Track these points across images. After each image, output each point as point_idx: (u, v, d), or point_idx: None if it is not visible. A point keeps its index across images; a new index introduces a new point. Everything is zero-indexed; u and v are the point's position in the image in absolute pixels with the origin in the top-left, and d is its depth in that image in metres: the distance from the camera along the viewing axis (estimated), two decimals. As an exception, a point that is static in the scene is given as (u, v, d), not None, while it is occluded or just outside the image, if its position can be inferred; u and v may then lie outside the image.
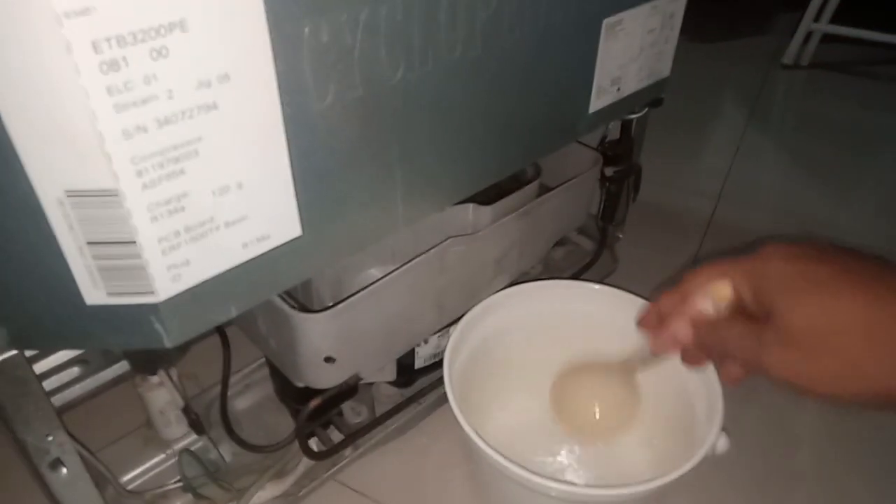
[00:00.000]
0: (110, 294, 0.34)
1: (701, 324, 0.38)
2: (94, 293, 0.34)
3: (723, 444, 0.51)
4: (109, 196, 0.31)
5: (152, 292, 0.34)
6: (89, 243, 0.32)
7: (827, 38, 1.58)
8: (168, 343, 0.36)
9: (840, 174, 1.18)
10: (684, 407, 0.57)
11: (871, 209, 1.09)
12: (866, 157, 1.24)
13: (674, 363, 0.57)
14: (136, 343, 0.37)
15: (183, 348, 0.44)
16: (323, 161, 0.38)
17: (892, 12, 1.57)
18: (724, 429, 0.51)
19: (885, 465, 0.67)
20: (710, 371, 0.55)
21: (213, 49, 0.30)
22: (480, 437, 0.50)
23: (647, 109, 0.67)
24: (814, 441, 0.69)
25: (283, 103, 0.34)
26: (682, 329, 0.38)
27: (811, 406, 0.73)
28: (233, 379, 0.66)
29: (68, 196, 0.31)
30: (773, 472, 0.66)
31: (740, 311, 0.37)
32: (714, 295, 0.37)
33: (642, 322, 0.43)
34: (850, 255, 0.33)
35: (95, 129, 0.29)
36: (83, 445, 0.50)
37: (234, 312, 0.38)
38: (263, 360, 0.68)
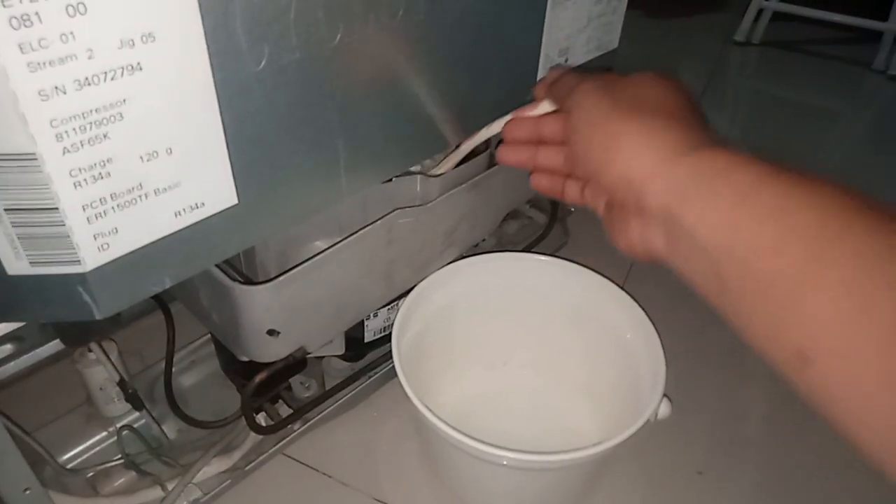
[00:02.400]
0: (33, 264, 0.33)
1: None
2: (16, 263, 0.33)
3: (664, 410, 0.52)
4: (27, 160, 0.29)
5: (78, 262, 0.33)
6: (8, 210, 0.31)
7: (778, 16, 1.61)
8: (98, 315, 0.35)
9: (789, 153, 1.20)
10: (630, 375, 0.58)
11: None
12: (813, 136, 1.27)
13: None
14: (65, 315, 0.35)
15: (117, 321, 0.43)
16: (259, 127, 0.37)
17: (840, -9, 1.61)
18: (668, 395, 0.52)
19: (833, 435, 0.69)
20: (654, 339, 0.56)
21: (134, 7, 0.29)
22: (429, 408, 0.50)
23: (596, 81, 0.67)
24: (762, 409, 0.71)
25: (213, 65, 0.33)
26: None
27: (760, 375, 0.75)
28: (178, 356, 0.65)
29: (-18, 160, 0.29)
30: (721, 440, 0.68)
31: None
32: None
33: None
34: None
35: (8, 89, 0.27)
36: (17, 424, 0.49)
37: (168, 283, 0.37)
38: (209, 336, 0.67)
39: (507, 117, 0.48)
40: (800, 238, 0.27)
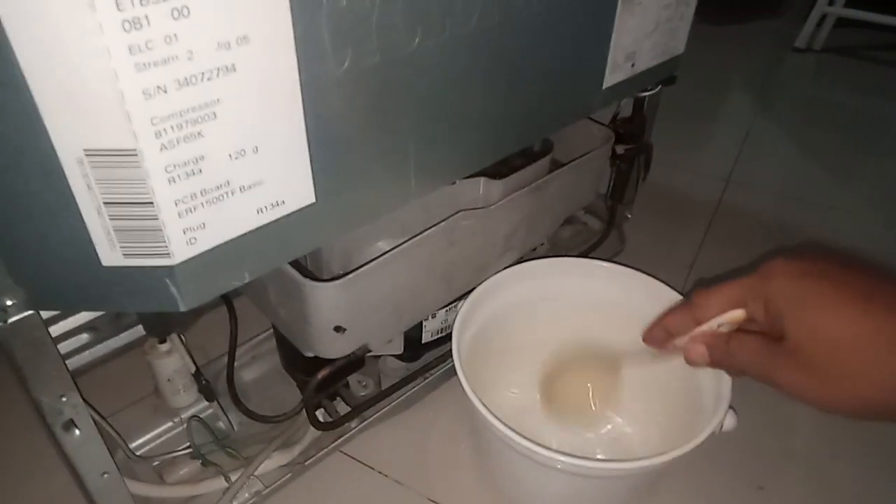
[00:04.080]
0: (127, 255, 0.34)
1: (712, 340, 0.40)
2: (110, 254, 0.34)
3: (730, 421, 0.51)
4: (128, 156, 0.31)
5: (168, 255, 0.34)
6: (107, 203, 0.32)
7: (841, 22, 1.57)
8: (183, 307, 0.36)
9: (848, 162, 1.17)
10: (691, 384, 0.57)
11: (878, 197, 1.09)
12: (875, 145, 1.24)
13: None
14: (151, 306, 0.37)
15: (196, 313, 0.44)
16: (338, 128, 0.38)
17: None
18: (732, 407, 0.52)
19: (883, 450, 0.67)
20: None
21: (233, 10, 0.30)
22: (487, 407, 0.50)
23: (659, 87, 0.67)
24: (826, 423, 0.70)
25: (300, 68, 0.34)
26: (696, 350, 0.41)
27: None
28: (239, 350, 0.66)
29: (87, 155, 0.31)
30: (783, 454, 0.66)
31: (749, 328, 0.38)
32: (728, 320, 0.39)
33: (648, 338, 0.45)
34: (848, 268, 0.34)
35: (116, 88, 0.29)
36: (95, 409, 0.51)
37: (247, 278, 0.39)
38: (270, 331, 0.69)
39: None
40: None
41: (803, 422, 0.70)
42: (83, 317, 0.55)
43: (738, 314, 0.38)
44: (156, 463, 0.59)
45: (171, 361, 0.58)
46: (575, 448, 0.48)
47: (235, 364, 0.63)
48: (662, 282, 0.62)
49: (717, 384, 0.53)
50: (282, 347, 0.64)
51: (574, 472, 0.51)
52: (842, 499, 0.63)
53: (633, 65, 0.57)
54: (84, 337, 0.56)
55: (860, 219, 1.01)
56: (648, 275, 0.63)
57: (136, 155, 0.31)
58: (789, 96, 1.44)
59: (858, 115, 1.35)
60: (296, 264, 0.50)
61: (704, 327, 0.40)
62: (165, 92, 0.30)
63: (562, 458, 0.48)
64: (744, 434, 0.65)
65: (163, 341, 0.56)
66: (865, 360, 0.31)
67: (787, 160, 1.18)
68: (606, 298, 0.65)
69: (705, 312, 0.40)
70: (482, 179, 0.56)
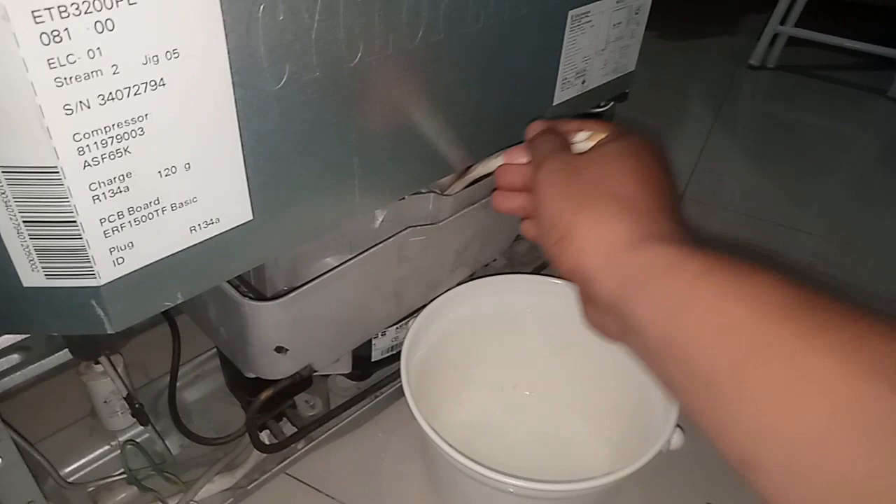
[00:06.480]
0: (49, 276, 0.33)
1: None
2: (32, 275, 0.33)
3: (677, 440, 0.51)
4: (49, 173, 0.29)
5: (93, 275, 0.33)
6: (27, 222, 0.31)
7: (793, 41, 1.61)
8: (110, 329, 0.35)
9: (801, 178, 1.20)
10: (641, 402, 0.57)
11: (829, 214, 1.12)
12: (826, 162, 1.27)
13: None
14: (77, 328, 0.35)
15: (127, 334, 0.43)
16: (276, 144, 0.37)
17: (855, 18, 1.61)
18: (680, 425, 0.52)
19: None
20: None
21: (161, 24, 0.29)
22: (436, 432, 0.50)
23: (612, 104, 0.67)
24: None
25: (235, 83, 0.33)
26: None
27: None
28: (183, 370, 0.64)
29: (4, 172, 0.29)
30: (730, 469, 0.67)
31: None
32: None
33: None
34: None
35: (34, 103, 0.27)
36: (21, 435, 0.49)
37: (181, 298, 0.37)
38: (214, 350, 0.67)
39: (501, 158, 0.47)
40: (736, 336, 0.26)
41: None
42: (12, 336, 0.52)
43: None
44: (91, 489, 0.56)
45: (108, 382, 0.56)
46: (527, 470, 0.47)
47: (178, 384, 0.61)
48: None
49: (665, 404, 0.53)
50: (226, 367, 0.62)
51: (527, 494, 0.50)
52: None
53: (583, 82, 0.57)
54: (15, 357, 0.53)
55: (811, 235, 1.04)
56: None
57: (57, 172, 0.29)
58: (744, 112, 1.48)
59: (810, 132, 1.39)
60: (239, 281, 0.49)
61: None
62: (88, 107, 0.29)
63: (514, 481, 0.48)
64: (694, 450, 0.66)
65: (97, 362, 0.54)
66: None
67: (742, 176, 1.21)
68: (559, 316, 0.65)
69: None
70: (431, 195, 0.55)
